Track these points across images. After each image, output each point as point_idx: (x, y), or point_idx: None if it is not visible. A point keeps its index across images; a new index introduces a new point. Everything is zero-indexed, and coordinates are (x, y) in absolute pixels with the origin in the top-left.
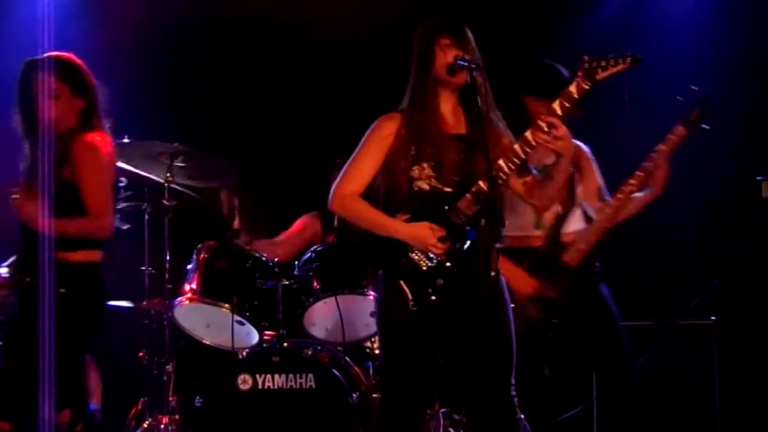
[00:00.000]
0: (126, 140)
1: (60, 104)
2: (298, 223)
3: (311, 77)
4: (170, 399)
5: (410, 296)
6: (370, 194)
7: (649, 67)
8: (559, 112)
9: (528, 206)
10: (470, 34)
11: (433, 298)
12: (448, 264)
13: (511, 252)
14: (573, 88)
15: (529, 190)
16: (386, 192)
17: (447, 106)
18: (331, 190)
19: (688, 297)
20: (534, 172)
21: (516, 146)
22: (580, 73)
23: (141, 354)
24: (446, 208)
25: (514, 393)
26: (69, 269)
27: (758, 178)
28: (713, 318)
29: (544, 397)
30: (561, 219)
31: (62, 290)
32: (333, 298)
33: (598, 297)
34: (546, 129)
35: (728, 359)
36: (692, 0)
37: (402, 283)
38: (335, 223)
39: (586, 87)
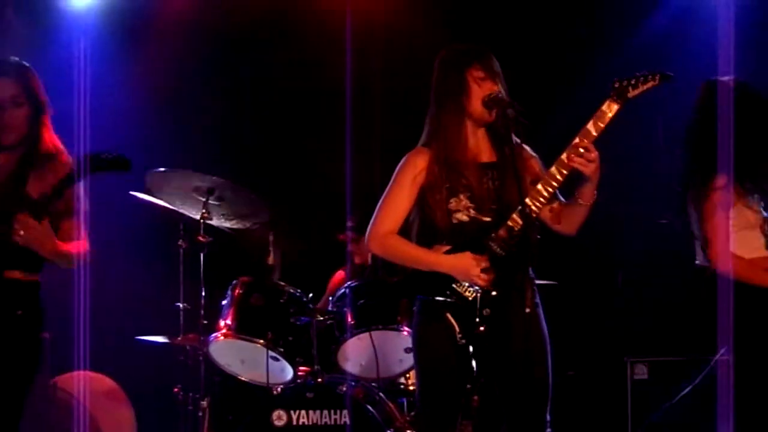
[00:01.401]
0: (162, 170)
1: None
2: (334, 280)
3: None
4: None
5: (457, 328)
6: (402, 230)
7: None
8: (593, 133)
9: (756, 231)
10: (497, 62)
11: (482, 328)
12: (493, 293)
13: None
14: (606, 108)
15: (556, 217)
16: (421, 226)
17: (475, 135)
18: (368, 231)
19: None
20: (561, 198)
21: (552, 169)
22: (612, 94)
23: (176, 390)
24: (486, 237)
25: (549, 430)
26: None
27: None
28: None
29: None
30: None
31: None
32: (367, 333)
33: None
34: (582, 151)
35: None
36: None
37: (448, 315)
38: (368, 260)
39: (618, 106)
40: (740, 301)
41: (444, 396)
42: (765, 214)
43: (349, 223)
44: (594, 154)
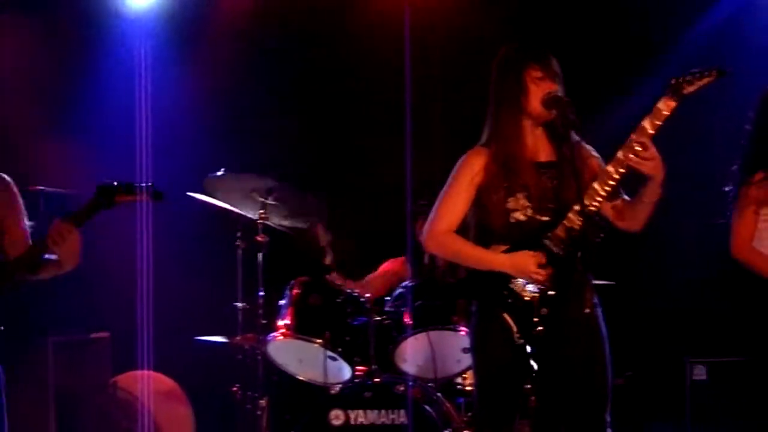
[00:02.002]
0: (220, 173)
1: None
2: (384, 267)
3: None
4: None
5: (515, 328)
6: (460, 229)
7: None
8: (650, 130)
9: None
10: (555, 61)
11: (540, 328)
12: (551, 292)
13: None
14: (662, 105)
15: (619, 214)
16: (479, 226)
17: (533, 134)
18: (425, 230)
19: None
20: (624, 196)
21: (609, 168)
22: (668, 91)
23: (235, 389)
24: (544, 236)
25: (609, 430)
26: None
27: None
28: None
29: None
30: None
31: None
32: (425, 333)
33: None
34: (638, 149)
35: None
36: None
37: (505, 315)
38: (425, 260)
39: (674, 103)
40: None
41: (501, 396)
42: None
43: (422, 201)
44: (651, 151)
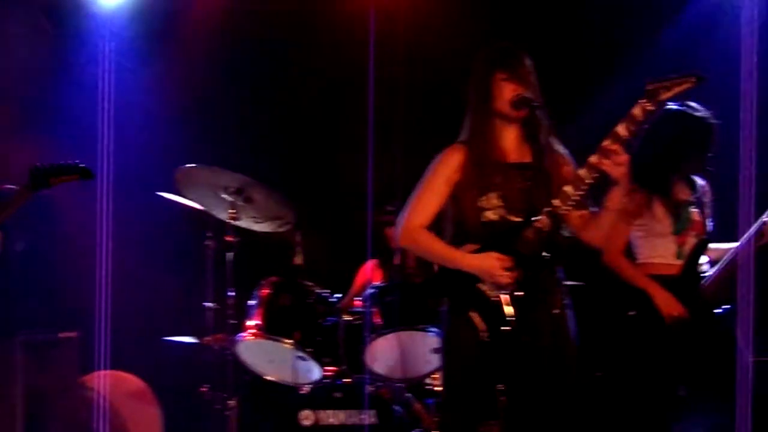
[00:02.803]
0: (191, 165)
1: None
2: (359, 278)
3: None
4: None
5: (482, 327)
6: (437, 227)
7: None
8: (624, 135)
9: (667, 239)
10: (528, 63)
11: (506, 328)
12: (519, 293)
13: (656, 279)
14: (637, 111)
15: (584, 224)
16: (455, 223)
17: (509, 135)
18: (398, 224)
19: None
20: (591, 207)
21: (582, 172)
22: (644, 96)
23: (204, 389)
24: (515, 237)
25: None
26: None
27: None
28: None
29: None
30: (699, 250)
31: None
32: (395, 334)
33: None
34: (610, 154)
35: None
36: None
37: (474, 314)
38: (396, 261)
39: (650, 109)
40: None
41: (469, 395)
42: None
43: (389, 207)
44: (623, 157)
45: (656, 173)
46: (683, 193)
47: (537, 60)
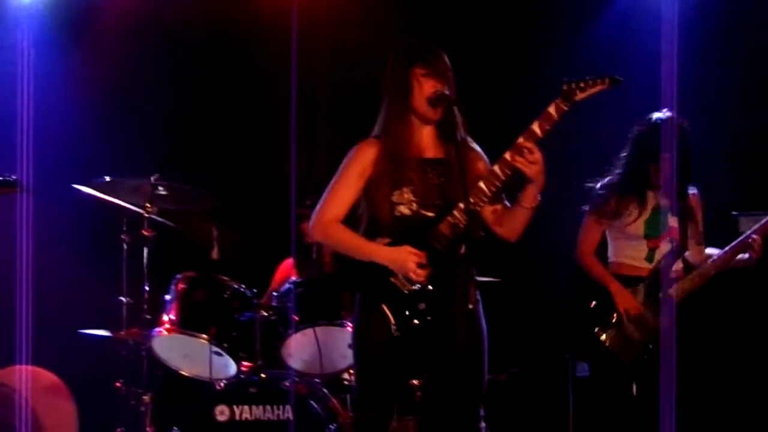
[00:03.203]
0: (107, 179)
1: None
2: (279, 274)
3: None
4: (147, 430)
5: (393, 320)
6: (353, 220)
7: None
8: (538, 133)
9: (638, 242)
10: (446, 59)
11: (416, 322)
12: (430, 287)
13: (623, 279)
14: (552, 110)
15: (498, 219)
16: (368, 218)
17: (423, 131)
18: (312, 217)
19: None
20: (505, 201)
21: (496, 168)
22: (559, 96)
23: (118, 384)
24: (428, 232)
25: (483, 424)
26: None
27: (734, 213)
28: None
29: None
30: (671, 256)
31: None
32: (311, 329)
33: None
34: (524, 151)
35: None
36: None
37: (384, 307)
38: (313, 256)
39: (565, 108)
40: None
41: (379, 389)
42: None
43: (307, 201)
44: (537, 156)
45: (631, 177)
46: (663, 199)
47: (458, 56)
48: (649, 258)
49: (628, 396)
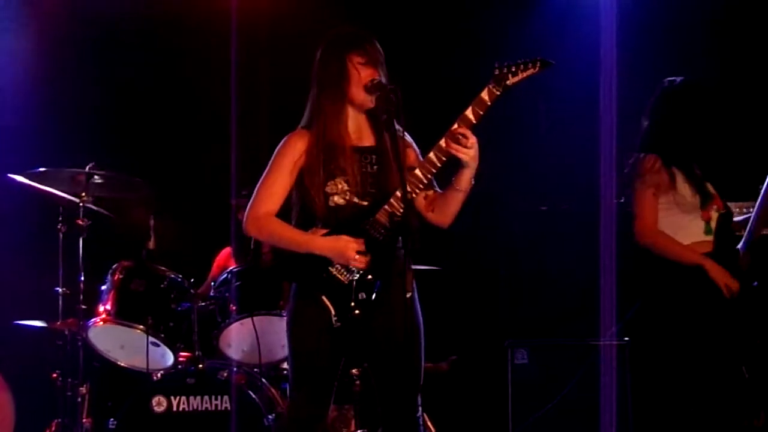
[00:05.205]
0: (42, 169)
1: None
2: (217, 263)
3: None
4: (84, 421)
5: (333, 311)
6: (285, 212)
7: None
8: (472, 119)
9: (694, 215)
10: (380, 48)
11: (357, 312)
12: (369, 277)
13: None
14: (485, 95)
15: (430, 205)
16: (302, 209)
17: (355, 119)
18: (245, 213)
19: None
20: (437, 188)
21: (431, 155)
22: (491, 80)
23: (54, 375)
24: (364, 221)
25: (420, 413)
26: None
27: None
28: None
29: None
30: (725, 223)
31: None
32: (249, 319)
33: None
34: (458, 137)
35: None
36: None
37: (324, 298)
38: (251, 245)
39: (497, 93)
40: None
41: (316, 378)
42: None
43: (244, 192)
44: (471, 141)
45: (678, 146)
46: (697, 168)
47: (395, 44)
48: (707, 231)
49: (740, 378)
